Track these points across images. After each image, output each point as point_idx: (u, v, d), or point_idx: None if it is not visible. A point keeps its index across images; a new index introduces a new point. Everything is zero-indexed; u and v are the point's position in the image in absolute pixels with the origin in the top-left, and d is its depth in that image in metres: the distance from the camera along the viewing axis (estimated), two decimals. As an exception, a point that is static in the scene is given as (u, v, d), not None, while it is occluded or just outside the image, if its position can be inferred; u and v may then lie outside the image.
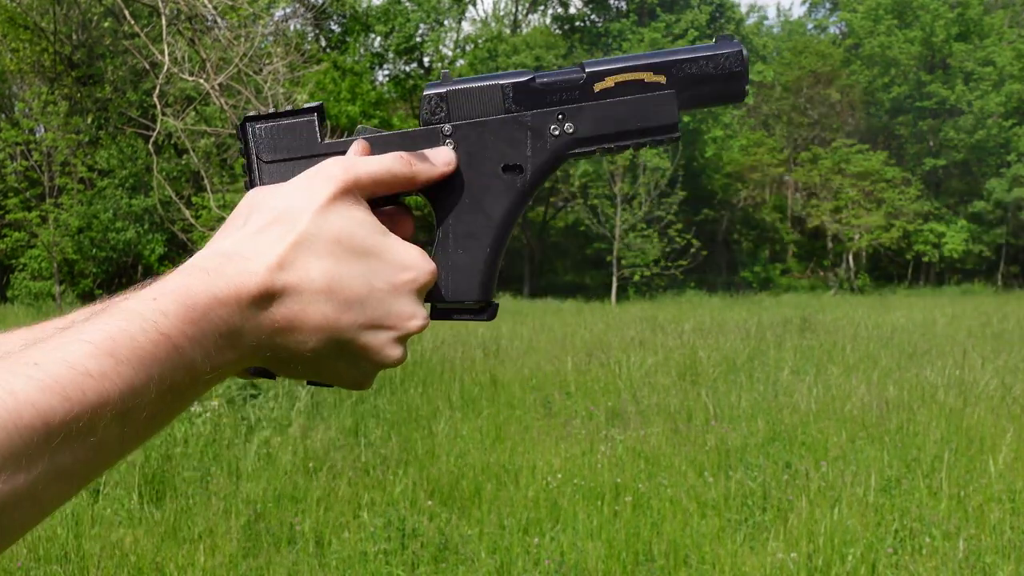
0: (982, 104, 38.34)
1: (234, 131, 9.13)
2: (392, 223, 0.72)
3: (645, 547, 4.43)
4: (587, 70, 0.75)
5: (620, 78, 0.75)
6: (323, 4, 31.05)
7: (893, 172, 38.45)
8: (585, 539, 4.52)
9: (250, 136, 0.74)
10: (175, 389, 0.55)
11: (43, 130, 27.09)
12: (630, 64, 0.75)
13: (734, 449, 6.26)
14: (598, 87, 0.75)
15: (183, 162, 26.12)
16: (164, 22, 7.95)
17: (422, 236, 0.76)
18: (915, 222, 38.54)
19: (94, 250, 28.22)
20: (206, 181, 10.73)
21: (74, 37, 27.48)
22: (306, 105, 0.74)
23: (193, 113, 11.95)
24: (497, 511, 4.96)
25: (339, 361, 0.67)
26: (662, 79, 0.75)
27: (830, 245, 41.11)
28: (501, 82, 0.75)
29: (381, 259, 0.66)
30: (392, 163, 0.69)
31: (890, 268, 41.38)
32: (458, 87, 0.75)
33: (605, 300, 31.48)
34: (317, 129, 0.74)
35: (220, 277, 0.60)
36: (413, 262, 0.68)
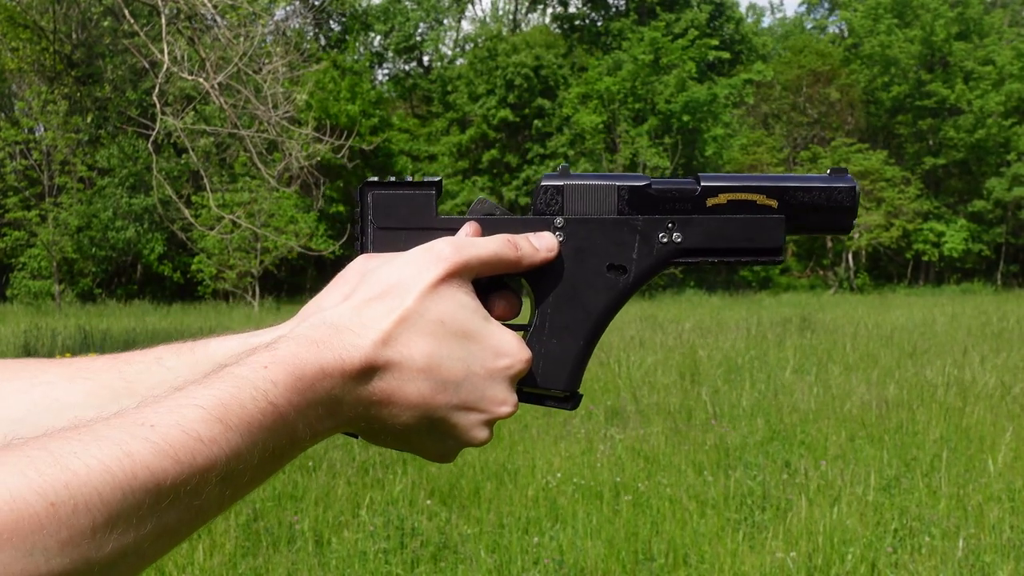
0: (982, 103, 38.33)
1: (234, 130, 9.13)
2: (496, 303, 0.74)
3: (644, 546, 4.43)
4: (702, 184, 0.77)
5: (733, 196, 0.77)
6: (323, 3, 31.04)
7: (893, 171, 38.45)
8: (584, 538, 4.52)
9: (368, 201, 0.76)
10: (276, 454, 0.58)
11: (43, 129, 27.09)
12: (745, 184, 0.77)
13: (734, 448, 6.27)
14: (711, 202, 0.77)
15: (183, 161, 26.12)
16: (164, 21, 7.95)
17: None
18: (915, 221, 38.54)
19: (93, 249, 28.23)
20: (205, 180, 10.73)
21: (74, 36, 27.44)
22: (426, 178, 0.76)
23: (193, 112, 11.94)
24: (496, 510, 4.96)
25: (427, 436, 0.70)
26: (774, 203, 0.77)
27: (830, 244, 41.09)
28: (617, 184, 0.77)
29: (480, 344, 0.69)
30: (500, 247, 0.72)
31: (890, 267, 41.38)
32: (575, 183, 0.77)
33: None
34: (434, 203, 0.76)
35: (328, 349, 0.62)
36: (510, 349, 0.70)
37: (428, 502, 5.13)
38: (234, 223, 16.19)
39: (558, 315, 0.76)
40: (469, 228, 0.74)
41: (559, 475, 5.55)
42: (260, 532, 4.65)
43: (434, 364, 0.66)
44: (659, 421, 7.10)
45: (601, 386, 8.78)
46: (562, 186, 0.76)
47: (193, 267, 29.17)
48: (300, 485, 5.45)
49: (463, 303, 0.68)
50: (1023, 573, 4.14)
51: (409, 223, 0.75)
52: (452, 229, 0.75)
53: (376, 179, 0.77)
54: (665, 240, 0.76)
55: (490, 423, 0.70)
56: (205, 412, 0.53)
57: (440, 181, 0.77)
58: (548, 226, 0.76)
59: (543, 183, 0.77)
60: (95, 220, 27.89)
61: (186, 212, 10.03)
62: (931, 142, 40.89)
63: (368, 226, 0.76)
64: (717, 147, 37.43)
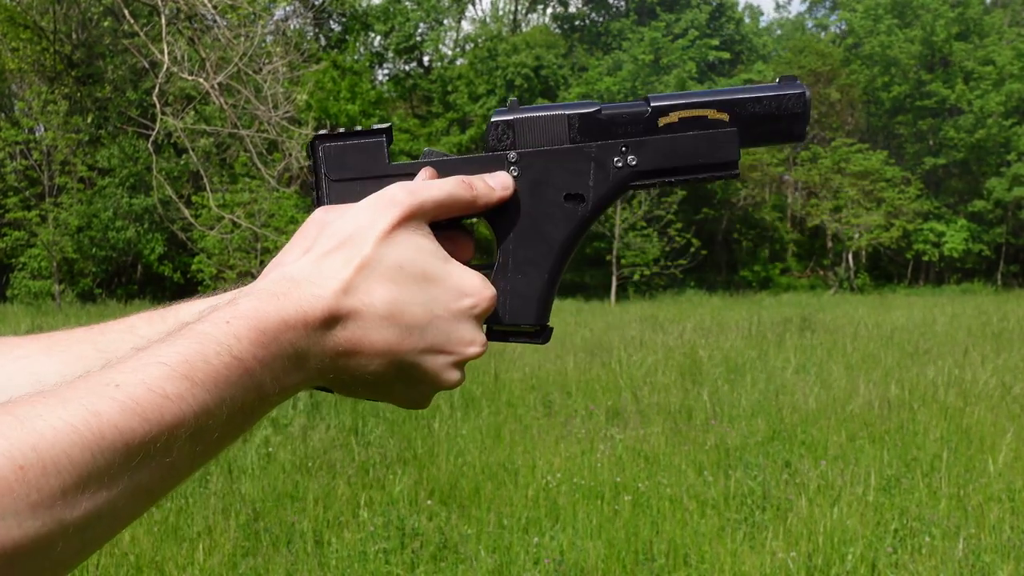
0: (982, 103, 38.33)
1: (234, 130, 9.13)
2: (453, 245, 0.74)
3: (645, 546, 4.43)
4: (652, 104, 0.76)
5: (684, 114, 0.76)
6: (323, 3, 31.04)
7: (893, 171, 38.45)
8: (585, 538, 4.52)
9: (319, 154, 0.76)
10: (244, 410, 0.58)
11: (43, 129, 27.09)
12: (695, 100, 0.77)
13: (734, 448, 6.27)
14: (662, 121, 0.76)
15: (183, 161, 26.12)
16: (164, 21, 7.95)
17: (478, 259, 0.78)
18: (915, 221, 38.54)
19: (94, 249, 28.22)
20: (205, 180, 10.73)
21: (74, 36, 27.47)
22: (375, 126, 0.76)
23: (193, 112, 11.94)
24: (497, 510, 4.96)
25: (398, 383, 0.70)
26: (725, 116, 0.76)
27: (830, 244, 41.11)
28: (567, 112, 0.76)
29: (442, 285, 0.68)
30: (454, 187, 0.71)
31: (890, 267, 41.37)
32: (525, 115, 0.76)
33: (605, 299, 31.48)
34: (385, 150, 0.76)
35: (289, 301, 0.62)
36: (474, 288, 0.70)
37: (428, 502, 5.13)
38: (234, 223, 16.19)
39: (520, 250, 0.76)
40: (424, 173, 0.74)
41: (559, 475, 5.55)
42: (260, 532, 4.65)
43: (396, 309, 0.66)
44: (659, 421, 7.09)
45: (602, 386, 8.78)
46: (512, 120, 0.76)
47: (193, 267, 29.17)
48: (300, 485, 5.45)
49: (421, 246, 0.68)
50: (1023, 573, 4.14)
51: (362, 172, 0.75)
52: (405, 174, 0.74)
53: (326, 131, 0.76)
54: (620, 164, 0.76)
55: (460, 364, 0.70)
56: (170, 369, 0.53)
57: (389, 127, 0.76)
58: (502, 162, 0.76)
59: (493, 119, 0.76)
60: (95, 220, 27.89)
61: (186, 212, 10.03)
62: (931, 142, 40.89)
63: (322, 180, 0.75)
64: (717, 147, 37.36)
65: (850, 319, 18.03)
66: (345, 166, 0.75)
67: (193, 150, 10.36)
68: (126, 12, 8.28)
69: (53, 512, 0.45)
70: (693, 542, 4.47)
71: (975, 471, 5.66)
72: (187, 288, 30.07)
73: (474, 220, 0.78)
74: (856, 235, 38.24)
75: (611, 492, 5.26)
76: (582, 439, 6.56)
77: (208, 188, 10.75)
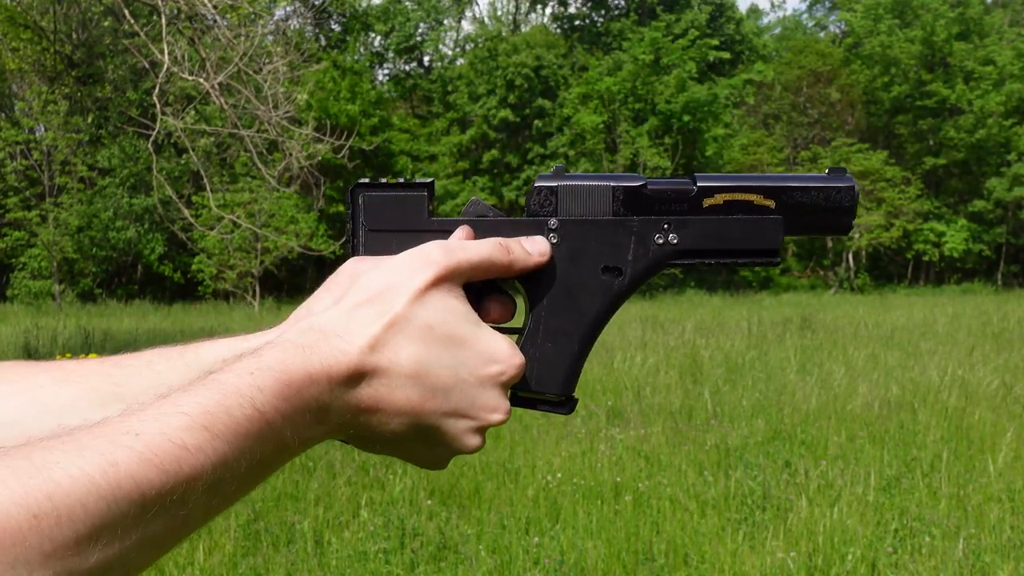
0: (982, 103, 38.32)
1: (234, 130, 9.13)
2: (490, 307, 0.73)
3: (645, 546, 4.43)
4: (698, 184, 0.76)
5: (730, 196, 0.76)
6: (323, 3, 31.03)
7: (893, 171, 38.44)
8: (585, 538, 4.52)
9: (360, 203, 0.75)
10: (263, 462, 0.57)
11: (43, 129, 27.10)
12: (742, 184, 0.76)
13: (734, 448, 6.27)
14: (707, 202, 0.76)
15: (183, 161, 26.12)
16: (164, 21, 7.95)
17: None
18: (915, 221, 38.53)
19: (94, 249, 28.23)
20: (206, 180, 10.73)
21: (74, 36, 27.44)
22: (418, 180, 0.75)
23: (193, 112, 11.94)
24: (497, 510, 4.96)
25: (418, 444, 0.69)
26: (771, 204, 0.76)
27: (830, 244, 41.09)
28: (612, 184, 0.76)
29: (471, 349, 0.68)
30: (491, 250, 0.71)
31: (890, 267, 41.36)
32: (569, 183, 0.76)
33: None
34: (426, 204, 0.75)
35: (315, 355, 0.61)
36: (502, 355, 0.69)
37: (428, 502, 5.13)
38: (234, 223, 16.20)
39: (552, 318, 0.75)
40: (461, 232, 0.73)
41: (560, 475, 5.55)
42: (260, 532, 4.65)
43: (423, 370, 0.65)
44: (660, 421, 7.09)
45: (602, 386, 8.78)
46: (556, 187, 0.76)
47: (193, 267, 29.18)
48: (300, 485, 5.45)
49: (453, 308, 0.67)
50: (1023, 573, 4.14)
51: (400, 225, 0.74)
52: (444, 231, 0.74)
53: (367, 180, 0.76)
54: (661, 241, 0.75)
55: (481, 430, 0.69)
56: (190, 419, 0.52)
57: (432, 183, 0.76)
58: (542, 228, 0.75)
59: (537, 184, 0.76)
60: (95, 220, 27.90)
61: (186, 212, 10.03)
62: (931, 142, 40.88)
63: (359, 228, 0.75)
64: (717, 147, 37.44)
65: (850, 319, 18.02)
66: (384, 217, 0.75)
67: (193, 150, 10.37)
68: (126, 12, 8.28)
69: (65, 562, 0.45)
70: (693, 542, 4.47)
71: (975, 471, 5.66)
72: (187, 288, 30.08)
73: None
74: (856, 235, 38.23)
75: (611, 492, 5.25)
76: (582, 439, 6.56)
77: (208, 188, 10.75)
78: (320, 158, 10.75)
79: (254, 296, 27.58)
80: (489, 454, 6.13)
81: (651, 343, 12.53)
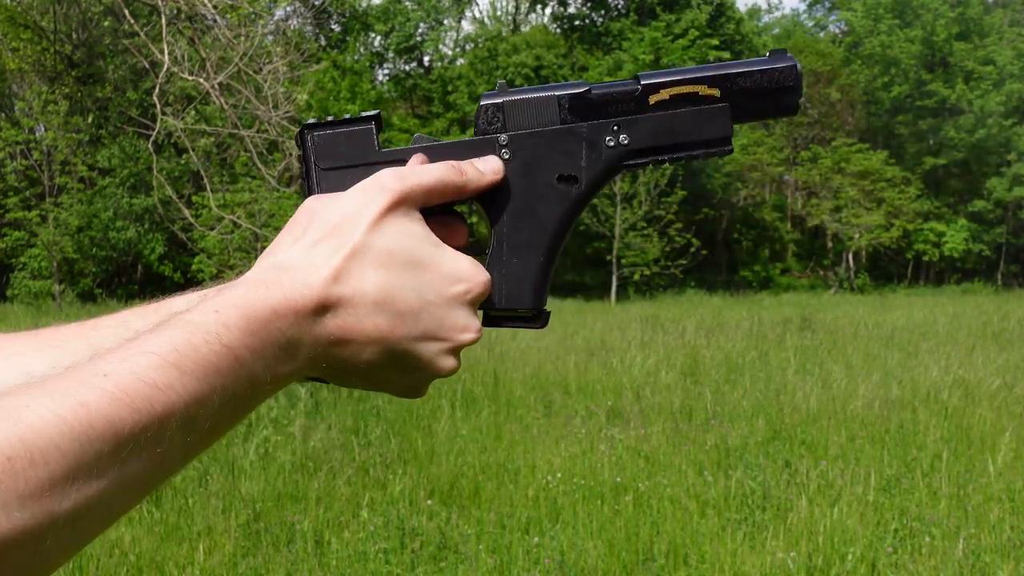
0: (982, 103, 38.33)
1: (234, 130, 9.13)
2: (446, 231, 0.73)
3: (645, 546, 4.43)
4: (642, 82, 0.76)
5: (675, 90, 0.76)
6: (323, 3, 31.04)
7: (893, 171, 38.44)
8: (585, 538, 4.52)
9: (308, 143, 0.75)
10: (236, 399, 0.57)
11: (43, 129, 27.09)
12: (685, 77, 0.76)
13: (734, 448, 6.26)
14: (653, 99, 0.75)
15: (183, 161, 26.12)
16: (164, 21, 7.95)
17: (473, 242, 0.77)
18: (915, 221, 38.53)
19: (94, 249, 28.22)
20: (206, 180, 10.73)
21: (74, 36, 27.46)
22: (364, 113, 0.75)
23: (193, 112, 11.94)
24: (497, 510, 4.96)
25: (392, 371, 0.69)
26: (716, 92, 0.76)
27: (830, 244, 41.11)
28: (557, 93, 0.76)
29: (434, 271, 0.68)
30: (444, 172, 0.71)
31: (890, 267, 41.37)
32: (515, 98, 0.76)
33: (605, 299, 31.47)
34: (375, 137, 0.75)
35: (278, 290, 0.61)
36: (466, 274, 0.69)
37: (428, 502, 5.13)
38: (234, 223, 16.19)
39: (514, 233, 0.75)
40: (416, 159, 0.73)
41: (559, 475, 5.55)
42: (260, 532, 4.65)
43: (388, 296, 0.65)
44: (660, 421, 7.09)
45: (602, 386, 8.78)
46: (502, 103, 0.75)
47: (193, 267, 29.15)
48: (300, 485, 5.45)
49: (412, 232, 0.68)
50: (1023, 573, 4.14)
51: (352, 160, 0.74)
52: (396, 160, 0.74)
53: (315, 120, 0.76)
54: (612, 144, 0.75)
55: (455, 351, 0.69)
56: (159, 358, 0.52)
57: (379, 114, 0.75)
58: (492, 145, 0.75)
59: (483, 102, 0.76)
60: (95, 220, 27.89)
61: (186, 212, 10.03)
62: (931, 142, 40.89)
63: (312, 168, 0.75)
64: (717, 147, 37.36)
65: (850, 319, 18.02)
66: (335, 154, 0.74)
67: (193, 150, 10.37)
68: (126, 12, 8.28)
69: (42, 504, 0.45)
70: (693, 542, 4.47)
71: (975, 471, 5.66)
72: (187, 288, 30.02)
73: (466, 207, 0.77)
74: (856, 235, 38.24)
75: (611, 492, 5.25)
76: (582, 439, 6.55)
77: (208, 188, 10.74)
78: (320, 158, 10.70)
79: (254, 296, 27.49)
80: (489, 454, 6.13)
81: (651, 343, 12.53)
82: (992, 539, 4.48)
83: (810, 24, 50.92)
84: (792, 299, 30.41)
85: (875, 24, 40.94)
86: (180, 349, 0.54)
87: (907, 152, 41.19)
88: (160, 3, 7.92)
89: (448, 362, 0.69)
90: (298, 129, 0.76)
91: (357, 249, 0.65)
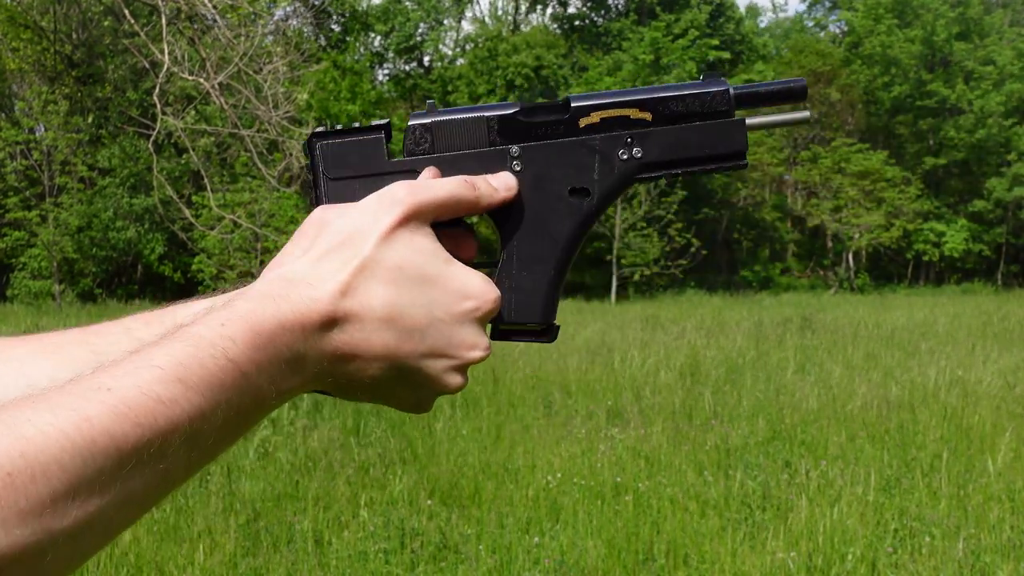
0: (982, 103, 38.33)
1: (234, 130, 9.13)
2: (456, 244, 0.72)
3: (645, 546, 4.43)
4: (572, 104, 0.75)
5: (605, 114, 0.75)
6: (323, 3, 31.04)
7: (893, 171, 38.44)
8: (585, 538, 4.52)
9: (317, 152, 0.74)
10: (241, 414, 0.57)
11: (43, 129, 27.09)
12: (616, 100, 0.75)
13: (734, 448, 6.26)
14: (583, 122, 0.75)
15: (183, 161, 26.13)
16: (164, 21, 7.95)
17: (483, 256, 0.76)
18: (915, 221, 38.53)
19: (94, 249, 28.22)
20: (206, 180, 10.73)
21: (74, 36, 27.46)
22: (374, 122, 0.74)
23: (193, 112, 11.95)
24: (497, 510, 4.96)
25: (398, 387, 0.68)
26: (648, 116, 0.75)
27: (830, 244, 41.10)
28: (486, 114, 0.75)
29: (444, 287, 0.67)
30: (457, 188, 0.70)
31: (890, 267, 41.36)
32: (442, 118, 0.75)
33: (605, 299, 31.47)
34: (384, 146, 0.74)
35: (285, 303, 0.61)
36: (475, 290, 0.68)
37: (428, 502, 5.13)
38: (235, 223, 16.19)
39: (525, 246, 0.74)
40: (428, 172, 0.72)
41: (560, 475, 5.54)
42: (260, 532, 4.65)
43: (396, 312, 0.64)
44: (660, 421, 7.09)
45: (602, 386, 8.78)
46: (430, 123, 0.74)
47: (194, 267, 29.16)
48: (300, 485, 5.45)
49: (422, 247, 0.67)
50: (1023, 573, 4.14)
51: (361, 170, 0.73)
52: (405, 172, 0.73)
53: (323, 128, 0.75)
54: (625, 157, 0.74)
55: (462, 368, 0.68)
56: (163, 372, 0.52)
57: (388, 123, 0.75)
58: (504, 157, 0.74)
59: (410, 122, 0.75)
60: (95, 220, 27.89)
61: (187, 212, 10.04)
62: (931, 142, 40.89)
63: (320, 178, 0.74)
64: (717, 147, 37.37)
65: (850, 319, 18.02)
66: (343, 164, 0.74)
67: (193, 150, 10.37)
68: (126, 12, 8.28)
69: (42, 520, 0.44)
70: (693, 542, 4.47)
71: (975, 471, 5.66)
72: (187, 288, 30.06)
73: (475, 219, 0.77)
74: (856, 235, 38.24)
75: (611, 492, 5.25)
76: (582, 439, 6.55)
77: (209, 188, 10.75)
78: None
79: (254, 296, 27.49)
80: (489, 454, 6.13)
81: (651, 343, 12.53)
82: (992, 539, 4.48)
83: (810, 24, 50.93)
84: (792, 299, 30.41)
85: (875, 24, 40.93)
86: (185, 363, 0.53)
87: (907, 152, 41.19)
88: (160, 3, 7.92)
89: (455, 379, 0.68)
90: (306, 137, 0.75)
91: (366, 264, 0.64)
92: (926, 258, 39.31)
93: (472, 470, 5.71)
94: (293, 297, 0.61)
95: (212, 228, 15.38)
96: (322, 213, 0.69)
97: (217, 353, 0.55)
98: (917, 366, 10.02)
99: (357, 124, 0.75)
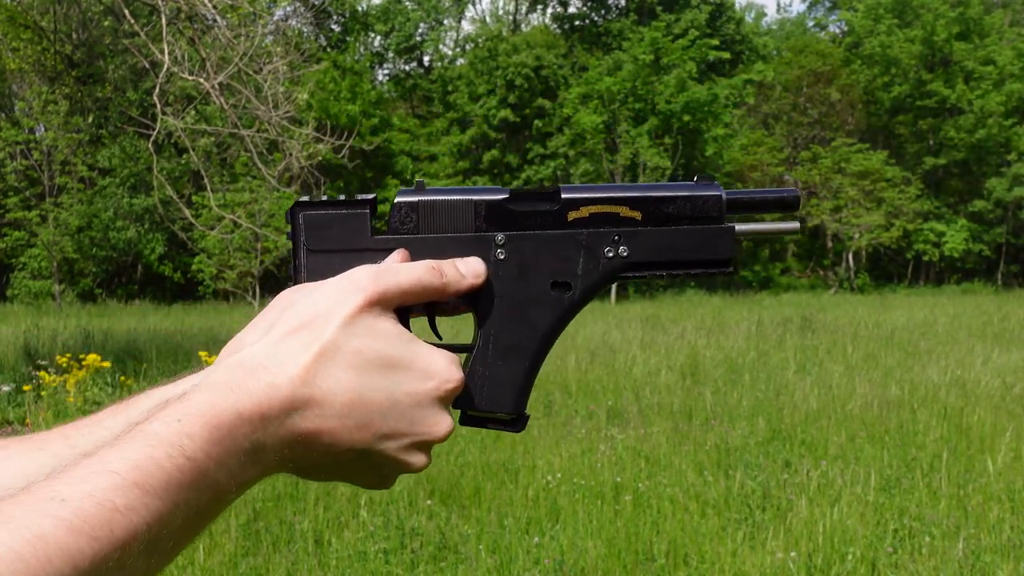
0: (982, 103, 38.31)
1: (234, 130, 9.13)
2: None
3: (645, 546, 4.43)
4: (563, 196, 0.75)
5: (595, 209, 0.74)
6: (323, 3, 31.03)
7: (893, 171, 38.43)
8: (585, 538, 4.52)
9: (300, 222, 0.72)
10: (200, 512, 0.55)
11: (43, 129, 27.10)
12: (607, 196, 0.75)
13: (734, 448, 6.27)
14: (572, 216, 0.75)
15: (183, 161, 26.13)
16: (164, 21, 7.95)
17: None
18: (915, 221, 38.52)
19: (94, 249, 28.24)
20: (206, 180, 10.73)
21: (74, 36, 27.45)
22: (359, 196, 0.73)
23: (193, 112, 11.95)
24: (497, 510, 4.96)
25: (360, 468, 0.68)
26: (638, 215, 0.75)
27: (830, 244, 41.09)
28: (474, 198, 0.74)
29: (406, 369, 0.66)
30: (423, 274, 0.69)
31: (890, 267, 41.36)
32: (429, 198, 0.74)
33: (605, 299, 31.47)
34: (368, 223, 0.73)
35: (244, 393, 0.59)
36: (438, 370, 0.67)
37: (428, 502, 5.13)
38: (235, 223, 16.20)
39: (503, 336, 0.73)
40: (397, 255, 0.72)
41: (559, 475, 5.55)
42: (260, 532, 4.65)
43: (357, 397, 0.64)
44: (660, 421, 7.09)
45: (602, 386, 8.78)
46: (416, 203, 0.73)
47: (194, 267, 29.18)
48: (300, 485, 5.45)
49: (384, 331, 0.66)
50: (1023, 573, 4.14)
51: (343, 244, 0.72)
52: (386, 250, 0.72)
53: (307, 198, 0.73)
54: (611, 255, 0.74)
55: (424, 447, 0.68)
56: (119, 477, 0.50)
57: (374, 199, 0.73)
58: (488, 244, 0.73)
59: (397, 199, 0.73)
60: (96, 220, 27.91)
61: (187, 212, 10.04)
62: (931, 142, 40.88)
63: (300, 249, 0.72)
64: (718, 147, 37.45)
65: (850, 319, 18.02)
66: (325, 236, 0.72)
67: (193, 150, 10.38)
68: (126, 12, 8.28)
69: None
70: (693, 542, 4.47)
71: (975, 471, 5.66)
72: (187, 288, 30.08)
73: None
74: (856, 235, 38.23)
75: (611, 492, 5.26)
76: (582, 439, 6.56)
77: (209, 188, 10.75)
78: (320, 158, 10.75)
79: (254, 296, 27.59)
80: (489, 454, 6.13)
81: (651, 343, 12.54)
82: (992, 539, 4.48)
83: (811, 24, 50.93)
84: (792, 299, 30.41)
85: (875, 24, 40.93)
86: (142, 466, 0.51)
87: (907, 152, 41.18)
88: (160, 3, 7.93)
89: (417, 459, 0.68)
90: (291, 206, 0.73)
91: (326, 349, 0.63)
92: (926, 258, 39.31)
93: (472, 470, 5.71)
94: (251, 386, 0.60)
95: (212, 228, 15.39)
96: (291, 294, 0.69)
97: (174, 452, 0.53)
98: (917, 366, 10.02)
99: (343, 197, 0.73)
